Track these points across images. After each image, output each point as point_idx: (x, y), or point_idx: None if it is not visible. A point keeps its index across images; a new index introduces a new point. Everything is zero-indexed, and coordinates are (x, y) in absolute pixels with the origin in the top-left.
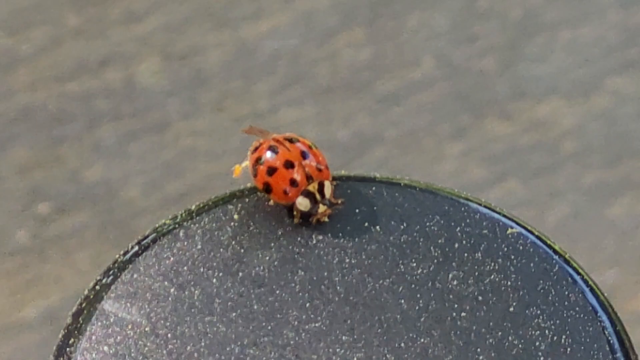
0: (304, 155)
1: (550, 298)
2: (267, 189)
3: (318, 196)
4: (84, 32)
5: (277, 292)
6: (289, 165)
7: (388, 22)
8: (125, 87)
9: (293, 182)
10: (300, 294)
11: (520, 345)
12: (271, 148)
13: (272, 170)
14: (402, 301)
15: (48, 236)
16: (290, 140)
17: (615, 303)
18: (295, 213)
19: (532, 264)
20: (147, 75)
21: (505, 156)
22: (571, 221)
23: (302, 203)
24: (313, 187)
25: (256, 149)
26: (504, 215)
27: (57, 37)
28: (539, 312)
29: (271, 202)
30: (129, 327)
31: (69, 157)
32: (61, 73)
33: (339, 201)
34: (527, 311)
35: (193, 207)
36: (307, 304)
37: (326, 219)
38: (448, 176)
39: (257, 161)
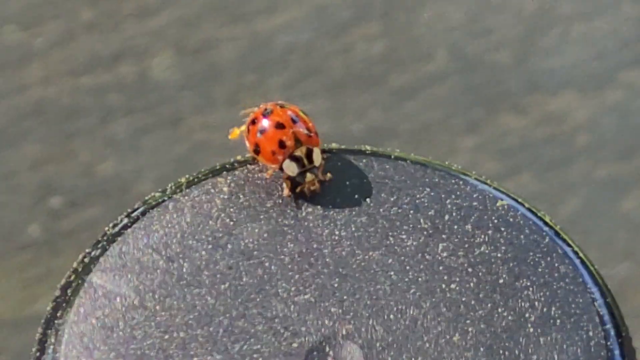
0: (293, 120)
1: (540, 270)
2: (257, 149)
3: (306, 161)
4: (97, 26)
5: (266, 264)
6: (279, 126)
7: (402, 15)
8: (139, 81)
9: (281, 144)
10: (289, 266)
11: (509, 317)
12: (265, 111)
13: (262, 130)
14: (392, 273)
15: (60, 230)
16: (282, 106)
17: (627, 296)
18: (284, 183)
19: (522, 236)
20: (160, 70)
21: (519, 150)
22: (584, 214)
23: (289, 167)
24: (301, 151)
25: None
26: (495, 188)
27: (70, 31)
28: (528, 283)
29: (265, 174)
30: (117, 299)
31: (81, 152)
32: (74, 67)
33: (327, 177)
34: (517, 283)
35: (183, 180)
36: (296, 276)
37: (315, 190)
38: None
39: (252, 122)
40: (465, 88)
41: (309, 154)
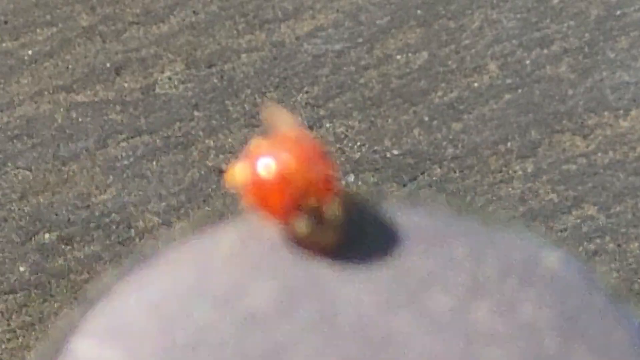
0: (307, 161)
1: (593, 334)
2: (260, 203)
3: (318, 216)
4: (96, 35)
5: (278, 329)
6: (282, 177)
7: (447, 23)
8: (144, 98)
9: (286, 198)
10: (305, 331)
11: None
12: (264, 159)
13: (262, 181)
14: (424, 338)
15: (53, 271)
16: (293, 140)
17: None
18: (296, 237)
19: (573, 296)
20: (169, 85)
21: (583, 177)
22: None
23: (298, 224)
24: (312, 205)
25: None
26: (543, 239)
27: (66, 40)
28: (580, 351)
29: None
30: None
31: (78, 179)
32: (70, 81)
33: (343, 227)
34: (567, 350)
35: (182, 227)
36: (313, 343)
37: (330, 246)
38: (516, 201)
39: (252, 169)
40: (520, 106)
41: (322, 206)
